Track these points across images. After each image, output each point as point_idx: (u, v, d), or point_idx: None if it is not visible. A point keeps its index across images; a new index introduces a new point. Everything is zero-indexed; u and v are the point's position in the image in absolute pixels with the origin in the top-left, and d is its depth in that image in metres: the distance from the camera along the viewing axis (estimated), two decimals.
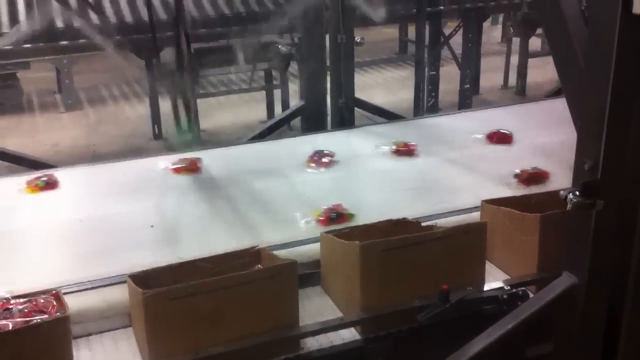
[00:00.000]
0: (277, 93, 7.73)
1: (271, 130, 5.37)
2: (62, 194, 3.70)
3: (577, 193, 2.20)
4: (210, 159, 4.10)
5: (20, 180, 3.78)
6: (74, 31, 5.73)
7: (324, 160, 3.99)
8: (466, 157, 4.02)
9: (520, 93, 8.65)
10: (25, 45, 5.68)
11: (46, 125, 8.13)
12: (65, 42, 5.85)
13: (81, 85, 9.24)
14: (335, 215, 3.19)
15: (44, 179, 3.77)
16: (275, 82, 7.73)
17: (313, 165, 3.95)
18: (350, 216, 3.21)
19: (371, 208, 3.30)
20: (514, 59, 8.83)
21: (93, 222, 3.31)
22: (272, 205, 3.45)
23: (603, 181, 2.19)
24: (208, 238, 3.10)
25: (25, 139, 7.38)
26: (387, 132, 4.54)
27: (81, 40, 5.66)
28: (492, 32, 11.93)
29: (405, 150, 4.12)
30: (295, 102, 6.31)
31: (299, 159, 4.01)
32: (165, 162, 4.00)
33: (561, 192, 2.24)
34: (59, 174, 3.91)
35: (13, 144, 6.06)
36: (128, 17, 6.22)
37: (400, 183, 3.68)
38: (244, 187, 3.69)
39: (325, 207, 3.25)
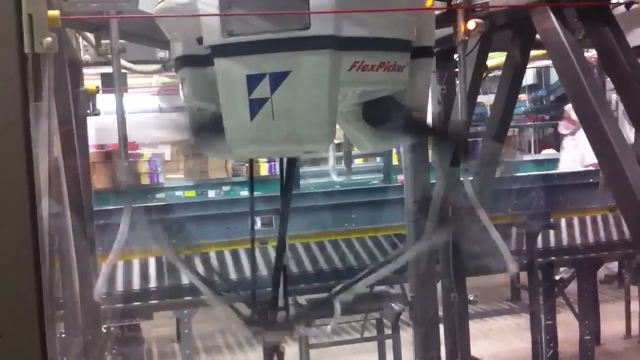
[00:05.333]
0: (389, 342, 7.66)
1: None
2: None
3: None
4: None
5: None
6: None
7: None
8: None
9: None
10: (152, 302, 6.05)
11: None
12: (189, 298, 6.18)
13: (199, 332, 9.54)
14: None
15: None
16: (387, 332, 7.69)
17: None
18: None
19: None
20: (634, 306, 8.50)
21: None
22: None
23: None
24: None
25: None
26: None
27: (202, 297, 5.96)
28: None
29: None
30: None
31: None
32: None
33: None
34: None
35: None
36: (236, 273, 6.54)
37: None
38: None
39: None
